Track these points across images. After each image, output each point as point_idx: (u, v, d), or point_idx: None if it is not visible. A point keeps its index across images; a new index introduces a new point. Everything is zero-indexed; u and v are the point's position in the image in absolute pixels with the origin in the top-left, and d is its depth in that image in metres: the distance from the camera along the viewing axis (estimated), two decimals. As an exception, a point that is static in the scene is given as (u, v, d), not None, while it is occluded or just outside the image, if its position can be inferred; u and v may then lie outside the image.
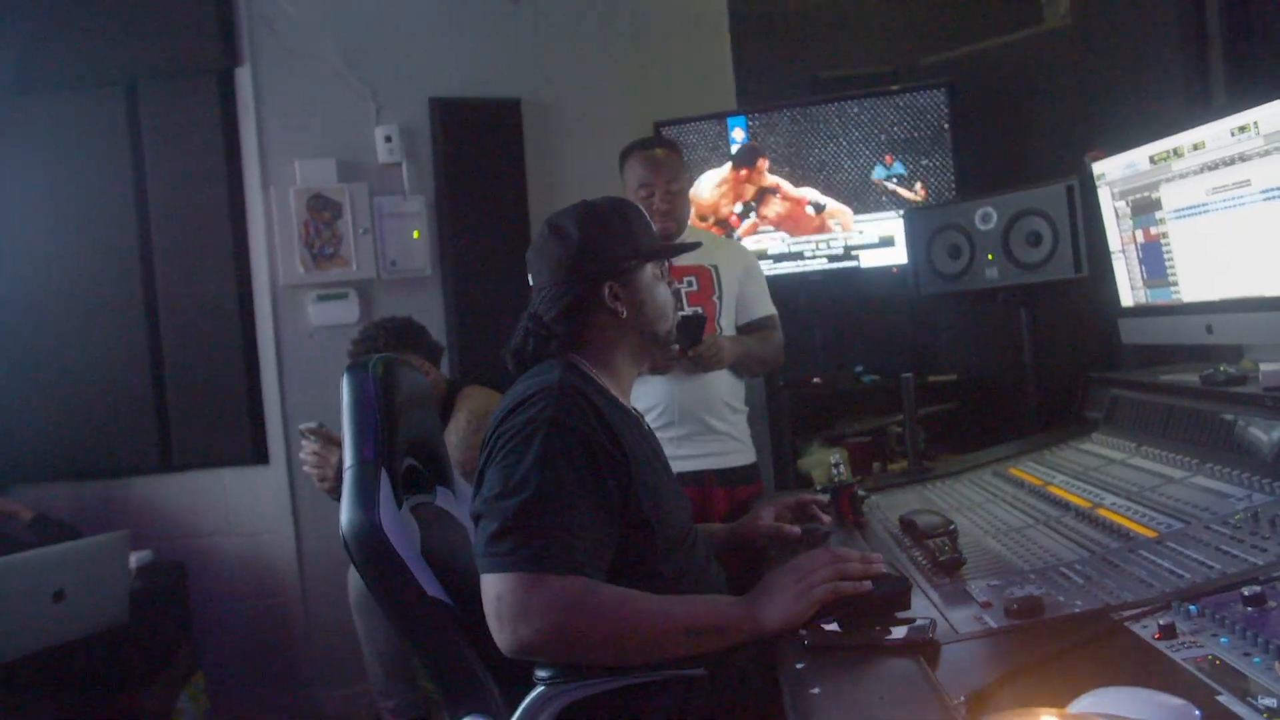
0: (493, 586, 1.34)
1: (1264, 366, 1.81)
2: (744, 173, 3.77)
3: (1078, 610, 1.25)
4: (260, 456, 3.64)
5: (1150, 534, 1.50)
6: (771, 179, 3.76)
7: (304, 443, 2.61)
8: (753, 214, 3.78)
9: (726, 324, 2.78)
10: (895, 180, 3.66)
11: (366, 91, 3.69)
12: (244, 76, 3.60)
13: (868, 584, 1.35)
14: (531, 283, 1.72)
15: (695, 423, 2.67)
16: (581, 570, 1.35)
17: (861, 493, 2.05)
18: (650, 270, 1.73)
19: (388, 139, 3.66)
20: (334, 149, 3.66)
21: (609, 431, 1.49)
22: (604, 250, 1.66)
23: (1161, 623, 1.10)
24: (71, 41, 3.54)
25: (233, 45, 3.58)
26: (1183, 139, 2.08)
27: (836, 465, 2.06)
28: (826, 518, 1.96)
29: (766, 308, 2.83)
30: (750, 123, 3.79)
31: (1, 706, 2.69)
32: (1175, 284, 2.25)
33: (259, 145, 3.61)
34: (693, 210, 3.00)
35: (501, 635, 1.33)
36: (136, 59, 3.57)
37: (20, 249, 3.59)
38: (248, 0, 3.58)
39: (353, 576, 2.98)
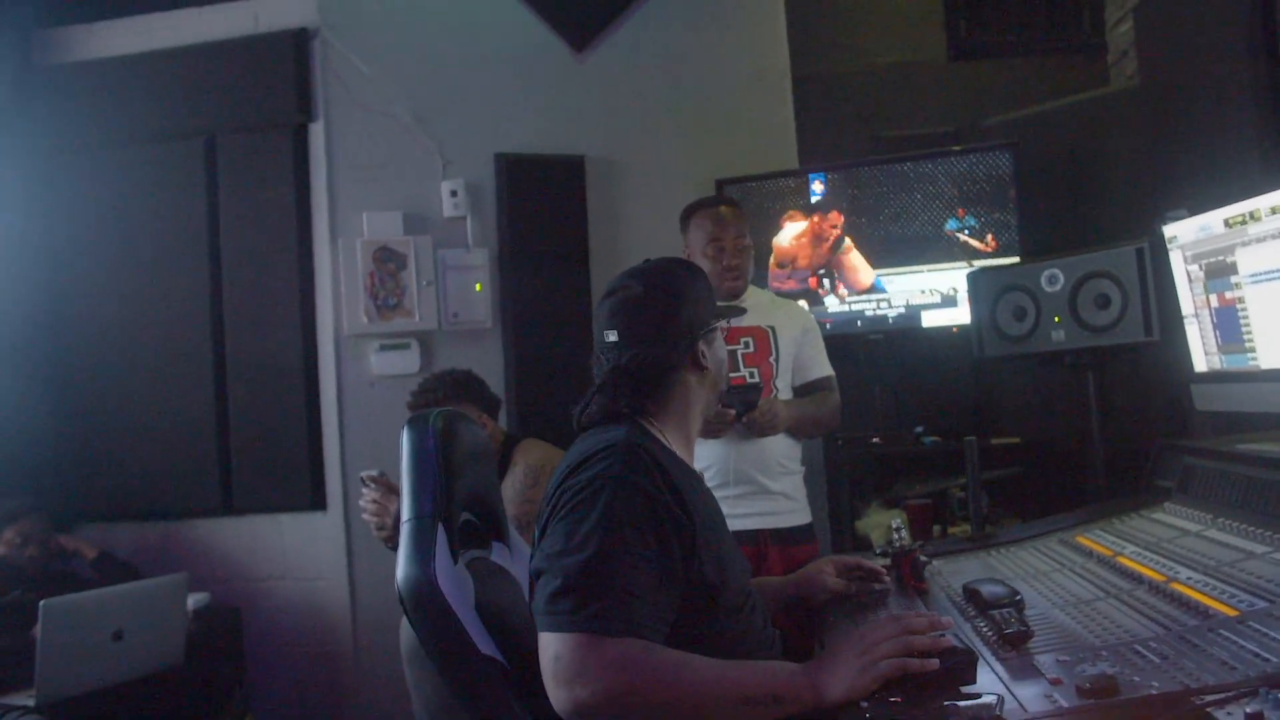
0: (551, 645, 1.32)
1: (1349, 438, 1.74)
2: (816, 218, 3.77)
3: (1155, 691, 1.19)
4: (318, 503, 3.68)
5: (1231, 612, 1.43)
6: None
7: (364, 490, 2.63)
8: (835, 280, 3.78)
9: (783, 386, 2.76)
10: (967, 232, 3.63)
11: (434, 147, 3.77)
12: (317, 132, 3.72)
13: (935, 662, 1.30)
14: (612, 339, 1.66)
15: (750, 483, 2.64)
16: (642, 633, 1.33)
17: (923, 558, 2.00)
18: (718, 330, 1.75)
19: (453, 193, 3.73)
20: (401, 202, 3.74)
21: (675, 492, 1.47)
22: (693, 310, 1.67)
23: (1249, 710, 1.04)
24: (155, 96, 3.69)
25: (308, 101, 3.70)
26: (1260, 202, 2.03)
27: (898, 530, 2.02)
28: (886, 577, 1.91)
29: (824, 369, 2.81)
30: (829, 176, 3.79)
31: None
32: (1252, 349, 2.18)
33: (329, 197, 3.70)
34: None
35: (558, 695, 1.31)
36: (217, 113, 3.72)
37: (98, 296, 3.73)
38: (324, 58, 3.70)
39: (405, 626, 2.97)
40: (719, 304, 1.82)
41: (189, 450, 3.68)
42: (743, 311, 2.04)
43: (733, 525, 1.94)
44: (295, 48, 3.68)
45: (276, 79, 3.69)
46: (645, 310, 1.66)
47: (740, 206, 2.92)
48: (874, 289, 3.74)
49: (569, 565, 1.36)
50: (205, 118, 3.72)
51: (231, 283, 3.72)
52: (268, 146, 3.72)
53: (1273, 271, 2.05)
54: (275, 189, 3.72)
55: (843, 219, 3.76)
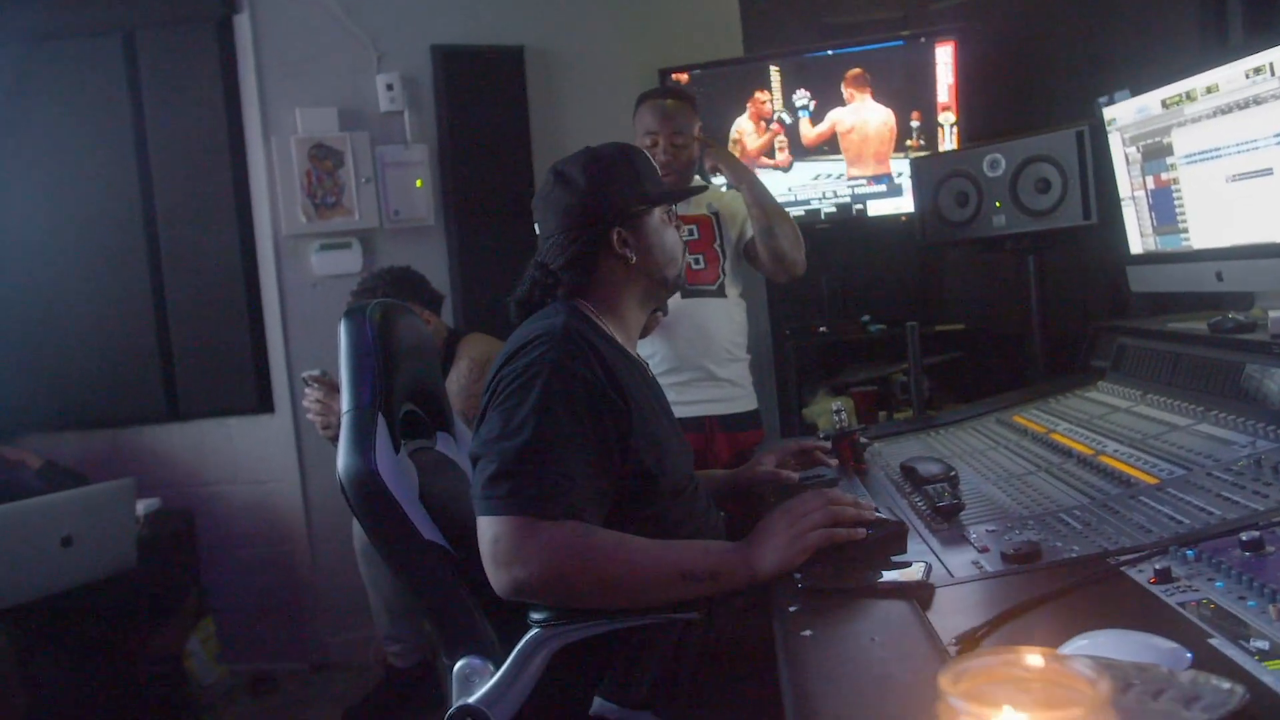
0: (489, 529, 1.34)
1: (1274, 314, 1.78)
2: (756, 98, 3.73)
3: (1074, 555, 1.24)
4: (265, 405, 3.65)
5: (1152, 480, 1.48)
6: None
7: (306, 390, 2.62)
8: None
9: (730, 271, 2.76)
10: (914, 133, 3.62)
11: (367, 39, 3.63)
12: (242, 24, 3.55)
13: (861, 531, 1.35)
14: (538, 231, 1.71)
15: (697, 369, 2.66)
16: (578, 514, 1.35)
17: (863, 440, 2.04)
18: (658, 215, 1.72)
19: (389, 87, 3.61)
20: (335, 98, 3.61)
21: (612, 377, 1.48)
22: (611, 196, 1.65)
23: (1157, 567, 1.09)
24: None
25: (230, -10, 3.53)
26: (1196, 82, 2.04)
27: (838, 412, 2.06)
28: (833, 462, 1.95)
29: None
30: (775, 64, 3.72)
31: (14, 649, 2.73)
32: (1185, 231, 2.21)
33: (259, 94, 3.57)
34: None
35: (497, 577, 1.33)
36: (133, 6, 3.53)
37: (21, 201, 3.58)
38: (245, -56, 3.53)
39: (357, 524, 3.00)
40: (679, 187, 1.81)
41: (131, 357, 3.61)
42: (688, 194, 2.00)
43: (680, 412, 1.96)
44: (213, -66, 3.49)
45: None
46: (555, 200, 1.66)
47: (690, 100, 2.85)
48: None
49: (505, 449, 1.37)
50: (121, 11, 3.53)
51: (162, 185, 3.59)
52: (190, 41, 3.56)
53: (1207, 152, 2.07)
54: (201, 86, 3.57)
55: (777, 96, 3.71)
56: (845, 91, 3.65)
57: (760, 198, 2.70)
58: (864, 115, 3.63)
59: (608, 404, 1.45)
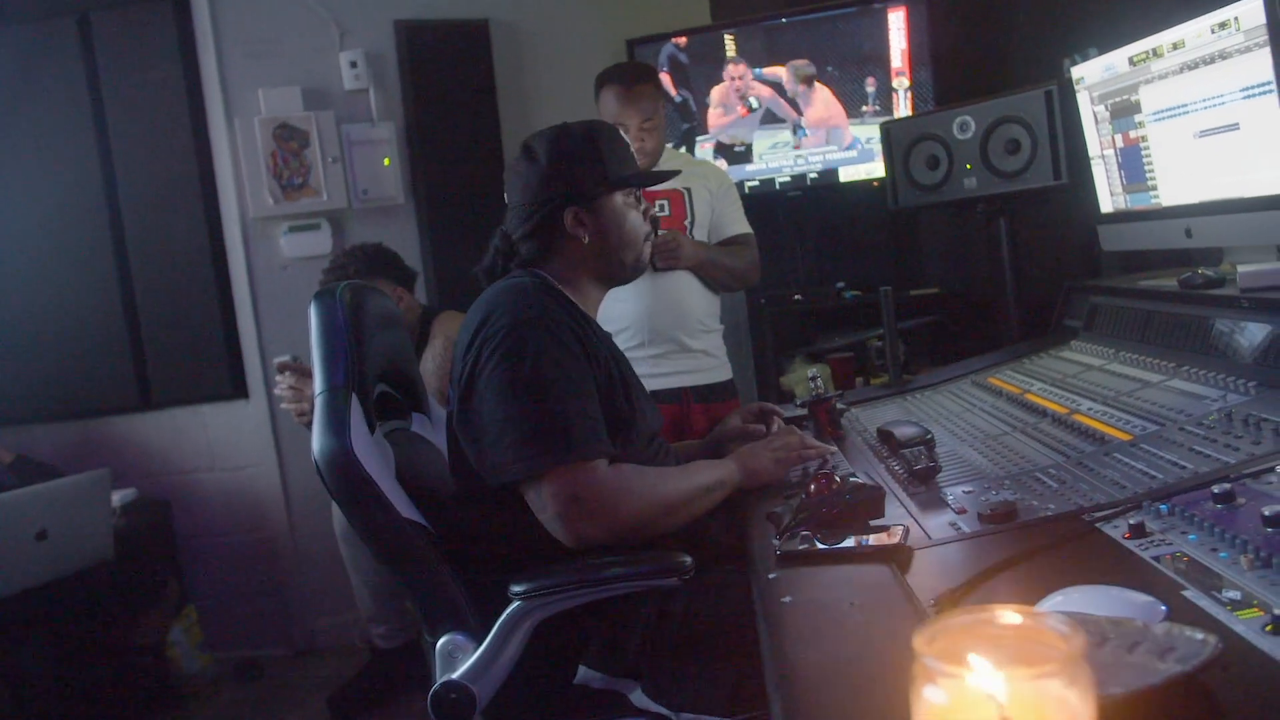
0: (543, 488, 1.41)
1: (1242, 268, 1.80)
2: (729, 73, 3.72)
3: (1050, 513, 1.25)
4: (239, 391, 3.62)
5: (1125, 437, 1.50)
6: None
7: (278, 377, 2.59)
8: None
9: (700, 247, 2.75)
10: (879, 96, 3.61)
11: (328, 15, 3.57)
12: (200, 3, 3.48)
13: (833, 447, 1.62)
14: (506, 202, 1.73)
15: (670, 342, 2.66)
16: (608, 453, 1.46)
17: (840, 406, 2.05)
18: (620, 198, 1.71)
19: (353, 64, 3.56)
20: (298, 77, 3.56)
21: (576, 333, 1.53)
22: (569, 175, 1.66)
23: (1132, 522, 1.10)
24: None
25: (184, -32, 3.46)
26: (1162, 38, 2.03)
27: (814, 379, 2.06)
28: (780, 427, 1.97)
29: (741, 226, 2.80)
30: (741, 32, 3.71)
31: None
32: (1154, 188, 2.22)
33: (220, 75, 3.51)
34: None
35: (564, 532, 1.42)
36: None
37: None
38: (198, -80, 3.45)
39: (337, 506, 2.99)
40: (649, 171, 1.82)
41: (100, 346, 3.56)
42: (654, 180, 1.98)
43: (654, 384, 1.97)
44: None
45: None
46: (520, 173, 1.70)
47: (652, 76, 2.81)
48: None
49: (526, 413, 1.42)
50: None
51: (125, 171, 3.53)
52: (146, 22, 3.49)
53: (1174, 109, 2.07)
54: (161, 69, 3.50)
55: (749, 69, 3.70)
56: (792, 86, 3.66)
57: (714, 271, 2.72)
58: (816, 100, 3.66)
59: (586, 353, 1.52)
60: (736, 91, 3.70)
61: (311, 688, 3.33)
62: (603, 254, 1.70)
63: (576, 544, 1.41)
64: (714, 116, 3.74)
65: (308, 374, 2.47)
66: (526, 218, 1.67)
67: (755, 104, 3.70)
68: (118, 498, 3.24)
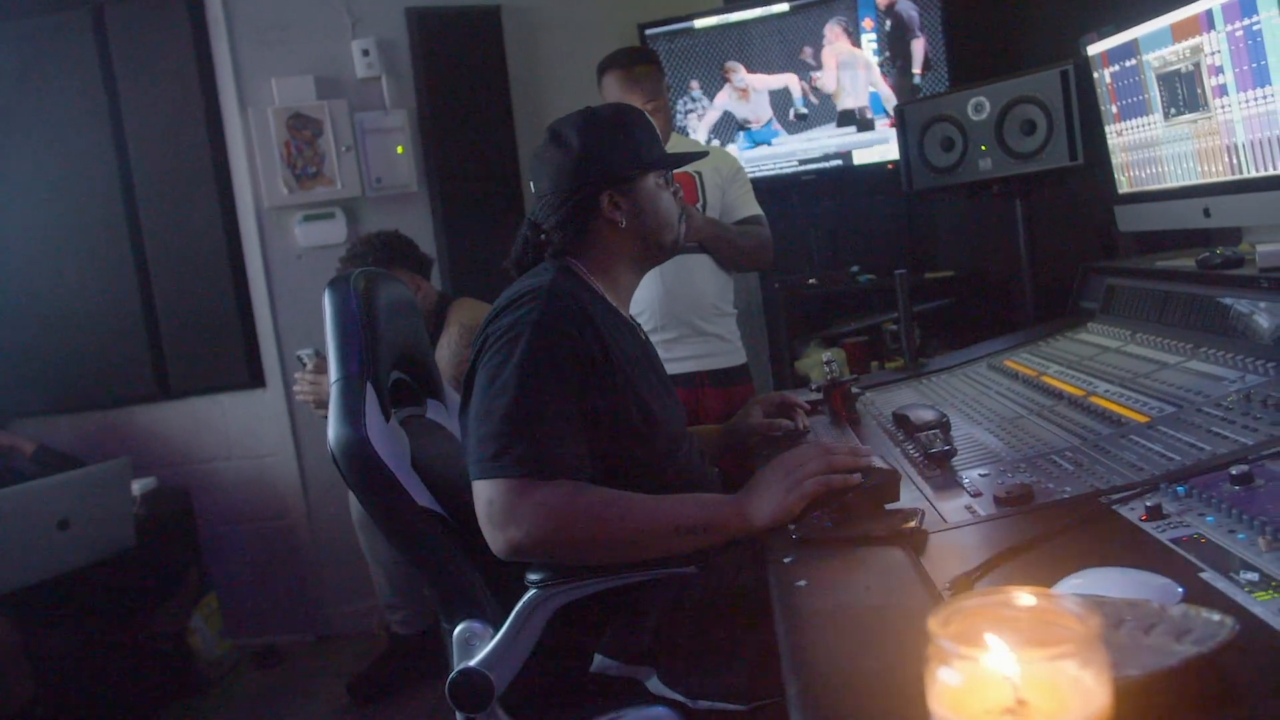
0: (483, 492, 1.35)
1: (1261, 248, 1.78)
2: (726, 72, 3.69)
3: (1066, 496, 1.24)
4: (257, 380, 3.64)
5: (1142, 419, 1.49)
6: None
7: (297, 375, 2.62)
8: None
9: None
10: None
11: (340, 3, 3.57)
12: (212, -8, 3.50)
13: (857, 476, 1.33)
14: (533, 190, 1.70)
15: (685, 325, 2.66)
16: (569, 472, 1.36)
17: (855, 390, 2.04)
18: (653, 179, 1.69)
19: (365, 53, 3.56)
20: (311, 65, 3.57)
21: (598, 335, 1.48)
22: (604, 158, 1.63)
23: (1149, 504, 1.09)
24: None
25: (197, -41, 3.46)
26: (1177, 16, 2.01)
27: (829, 363, 2.05)
28: (805, 421, 1.94)
29: (752, 208, 2.79)
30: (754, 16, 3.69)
31: (19, 633, 2.75)
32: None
33: (233, 65, 3.52)
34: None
35: (493, 539, 1.34)
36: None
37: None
38: (211, -89, 3.45)
39: (354, 495, 3.01)
40: (679, 151, 1.79)
41: (119, 337, 3.59)
42: (687, 160, 1.94)
43: (670, 369, 1.95)
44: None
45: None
46: (549, 159, 1.65)
47: (655, 60, 2.81)
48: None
49: (493, 411, 1.37)
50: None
51: (140, 162, 3.55)
52: (159, 13, 3.50)
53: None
54: (174, 59, 3.52)
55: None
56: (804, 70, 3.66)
57: (724, 248, 2.71)
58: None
59: (592, 362, 1.45)
60: (748, 75, 3.68)
61: (330, 674, 3.36)
62: (640, 236, 1.67)
63: (502, 553, 1.34)
64: (727, 100, 3.73)
65: (323, 369, 2.49)
66: (559, 205, 1.62)
67: (767, 88, 3.69)
68: (138, 487, 3.27)
